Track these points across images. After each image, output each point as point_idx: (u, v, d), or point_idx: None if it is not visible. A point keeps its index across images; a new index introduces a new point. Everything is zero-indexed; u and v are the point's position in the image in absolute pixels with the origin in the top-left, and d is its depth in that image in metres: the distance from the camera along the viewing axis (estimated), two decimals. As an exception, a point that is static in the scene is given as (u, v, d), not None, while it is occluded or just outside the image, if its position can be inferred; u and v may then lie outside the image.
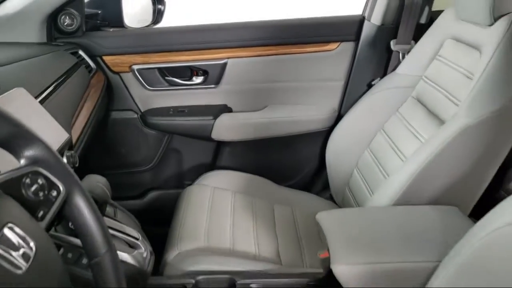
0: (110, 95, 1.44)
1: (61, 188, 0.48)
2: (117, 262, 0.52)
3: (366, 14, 1.42)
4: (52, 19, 1.29)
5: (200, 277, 0.98)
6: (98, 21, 1.51)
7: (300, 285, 0.96)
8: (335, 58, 1.43)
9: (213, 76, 1.44)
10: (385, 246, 0.85)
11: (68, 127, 0.97)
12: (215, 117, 1.46)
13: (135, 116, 1.49)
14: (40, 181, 0.46)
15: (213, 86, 1.45)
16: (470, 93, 0.96)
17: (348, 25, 1.42)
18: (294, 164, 1.60)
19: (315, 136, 1.53)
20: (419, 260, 0.81)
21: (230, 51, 1.41)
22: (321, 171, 1.59)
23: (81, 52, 1.31)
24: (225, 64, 1.42)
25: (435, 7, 1.35)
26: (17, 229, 0.40)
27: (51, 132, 0.73)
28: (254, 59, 1.42)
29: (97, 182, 0.81)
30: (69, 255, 0.69)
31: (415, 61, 1.25)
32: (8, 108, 0.46)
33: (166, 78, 1.45)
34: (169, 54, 1.41)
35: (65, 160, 0.71)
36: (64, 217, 0.51)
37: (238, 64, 1.42)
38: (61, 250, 0.69)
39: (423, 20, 1.36)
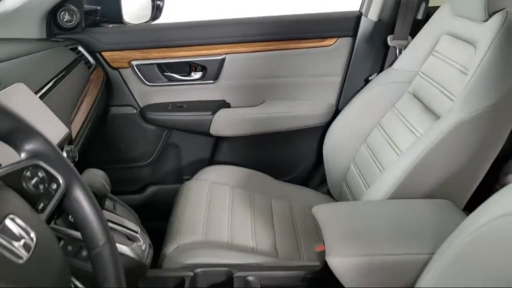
0: (110, 90, 1.45)
1: (61, 181, 0.49)
2: (116, 253, 0.52)
3: (363, 10, 1.42)
4: (52, 15, 1.30)
5: (198, 270, 0.98)
6: (98, 17, 1.51)
7: (297, 277, 0.97)
8: (333, 54, 1.44)
9: (211, 71, 1.44)
10: (379, 238, 0.86)
11: (68, 122, 0.98)
12: (214, 113, 1.47)
13: (134, 111, 1.50)
14: (40, 174, 0.47)
15: (211, 81, 1.46)
16: (465, 88, 0.97)
17: (345, 21, 1.42)
18: (291, 159, 1.61)
19: (313, 131, 1.53)
20: (413, 252, 0.82)
21: (228, 46, 1.42)
22: (318, 166, 1.60)
23: (80, 48, 1.32)
24: (223, 60, 1.43)
25: (431, 3, 1.35)
26: (18, 220, 0.40)
27: (51, 127, 0.74)
28: (252, 54, 1.43)
29: (97, 176, 0.81)
30: (69, 247, 0.70)
31: (411, 57, 1.26)
32: (8, 103, 0.46)
33: (165, 73, 1.46)
34: (168, 50, 1.41)
35: (65, 154, 0.72)
36: (64, 210, 0.51)
37: (236, 59, 1.43)
38: (61, 243, 0.69)
39: (419, 16, 1.36)
